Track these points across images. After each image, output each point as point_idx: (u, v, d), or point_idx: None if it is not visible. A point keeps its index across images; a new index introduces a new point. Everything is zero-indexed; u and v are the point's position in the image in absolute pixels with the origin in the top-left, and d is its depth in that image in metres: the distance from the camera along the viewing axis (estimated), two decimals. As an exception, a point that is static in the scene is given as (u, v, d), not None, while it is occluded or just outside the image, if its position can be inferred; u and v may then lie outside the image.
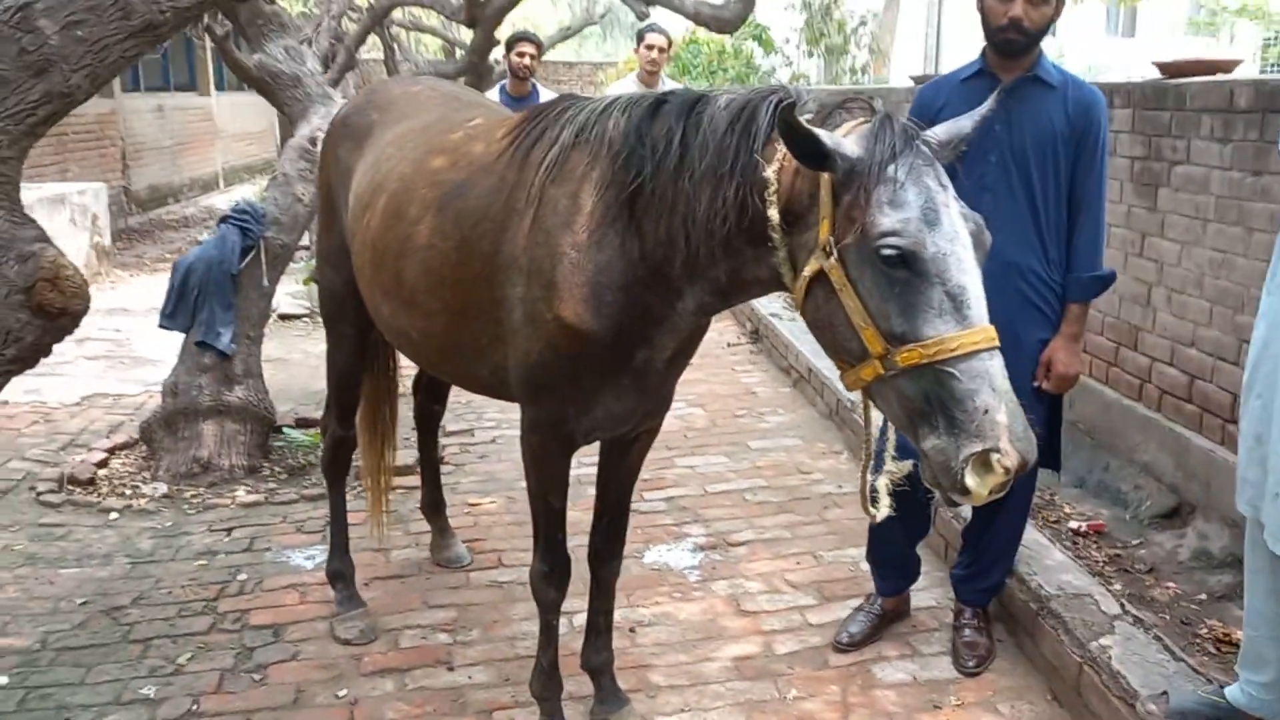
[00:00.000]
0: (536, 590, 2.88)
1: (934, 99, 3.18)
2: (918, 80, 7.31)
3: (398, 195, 2.89)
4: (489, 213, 2.61)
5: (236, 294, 5.22)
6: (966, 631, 3.39)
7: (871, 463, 2.60)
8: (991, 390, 1.90)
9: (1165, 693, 2.65)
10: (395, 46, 11.73)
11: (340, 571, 3.66)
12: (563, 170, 2.49)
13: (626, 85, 6.87)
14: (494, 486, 4.92)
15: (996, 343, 1.94)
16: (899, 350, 1.95)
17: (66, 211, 9.44)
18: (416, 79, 3.76)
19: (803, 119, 2.03)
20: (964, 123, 2.18)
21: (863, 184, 1.95)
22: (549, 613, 2.91)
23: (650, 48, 6.70)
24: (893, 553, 3.48)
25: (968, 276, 1.94)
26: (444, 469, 5.06)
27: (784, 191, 2.10)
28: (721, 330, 7.87)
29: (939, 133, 2.15)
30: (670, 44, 6.90)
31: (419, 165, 2.88)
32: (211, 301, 5.19)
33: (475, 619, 3.71)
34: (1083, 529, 4.18)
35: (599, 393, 2.56)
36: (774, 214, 2.11)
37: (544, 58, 7.72)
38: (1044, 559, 3.47)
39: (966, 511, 3.58)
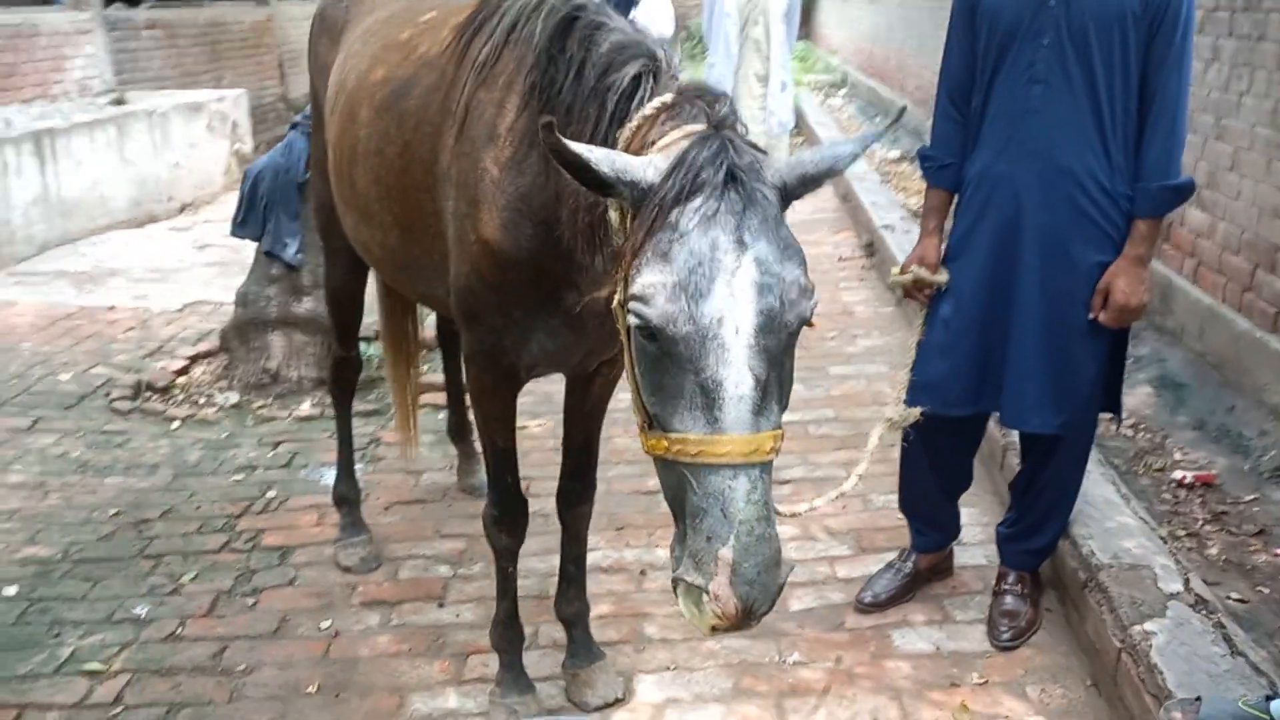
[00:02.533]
0: (489, 535, 2.65)
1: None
2: None
3: (353, 96, 2.63)
4: (427, 114, 2.33)
5: (303, 204, 5.12)
6: (1007, 599, 2.95)
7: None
8: (722, 516, 1.54)
9: (1199, 698, 2.19)
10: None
11: (345, 495, 3.53)
12: (492, 72, 2.17)
13: None
14: (546, 409, 4.69)
15: (753, 457, 1.56)
16: (650, 434, 1.64)
17: (204, 119, 9.65)
18: None
19: (646, 107, 1.75)
20: (841, 150, 1.73)
21: (643, 222, 1.58)
22: (504, 560, 2.67)
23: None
24: (926, 505, 3.06)
25: (729, 370, 1.54)
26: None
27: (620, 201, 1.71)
28: (837, 243, 7.35)
29: (802, 161, 1.70)
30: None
31: (372, 63, 2.61)
32: (278, 210, 5.11)
33: (482, 552, 3.48)
34: (1188, 480, 3.61)
35: (530, 328, 2.27)
36: (613, 216, 1.75)
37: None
38: (1106, 520, 2.98)
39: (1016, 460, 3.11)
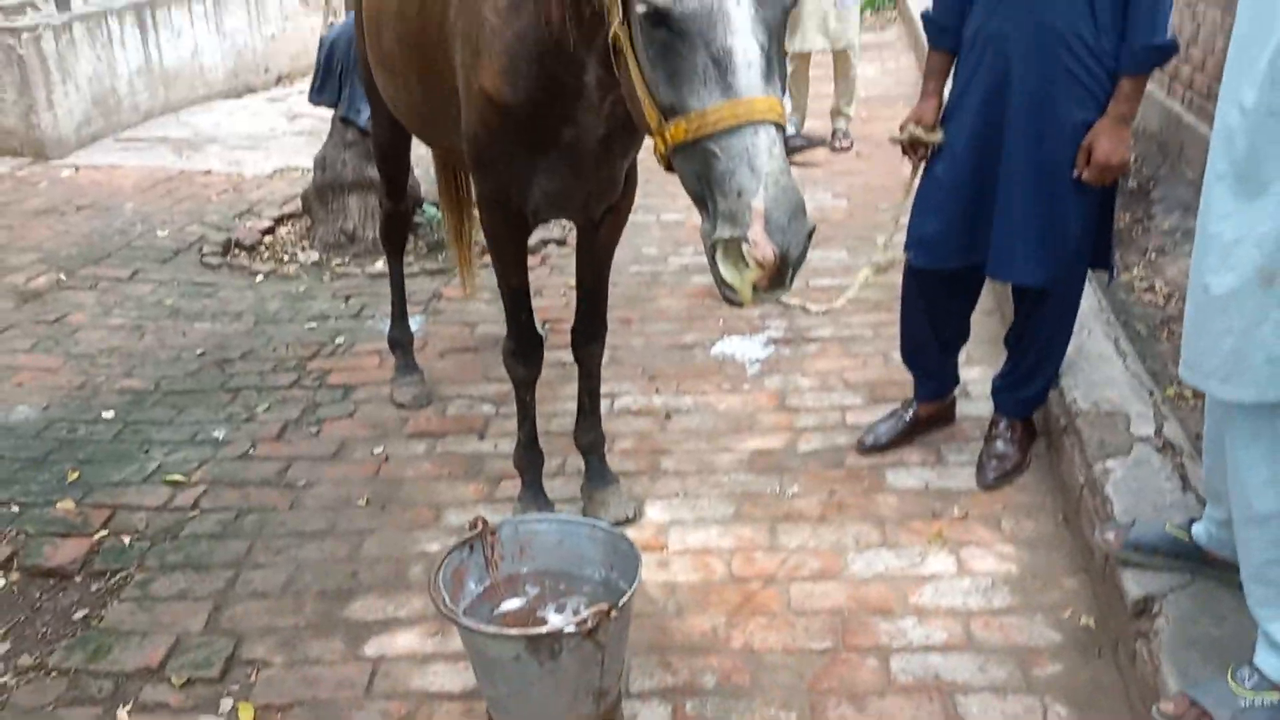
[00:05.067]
0: (507, 366, 2.93)
1: None
2: None
3: None
4: None
5: (375, 70, 5.36)
6: (998, 444, 3.14)
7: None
8: (749, 170, 1.69)
9: (1134, 522, 2.37)
10: None
11: (398, 339, 3.86)
12: None
13: None
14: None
15: (769, 115, 1.70)
16: (669, 124, 1.77)
17: (298, -11, 9.91)
18: None
19: None
20: None
21: None
22: (521, 389, 2.96)
23: None
24: (924, 356, 3.23)
25: (737, 38, 1.70)
26: (558, 249, 5.16)
27: None
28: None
29: None
30: None
31: (401, -71, 2.80)
32: (353, 77, 5.35)
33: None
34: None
35: (533, 170, 2.49)
36: None
37: None
38: (1095, 371, 3.12)
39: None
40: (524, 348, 2.87)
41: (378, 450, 3.51)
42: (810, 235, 1.78)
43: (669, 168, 1.91)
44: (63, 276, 5.00)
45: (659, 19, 1.74)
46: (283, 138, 7.58)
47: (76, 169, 6.69)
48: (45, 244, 5.39)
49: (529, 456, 3.02)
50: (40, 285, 4.90)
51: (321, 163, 5.43)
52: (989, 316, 4.01)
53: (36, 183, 6.41)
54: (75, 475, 3.37)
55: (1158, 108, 5.51)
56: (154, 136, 7.41)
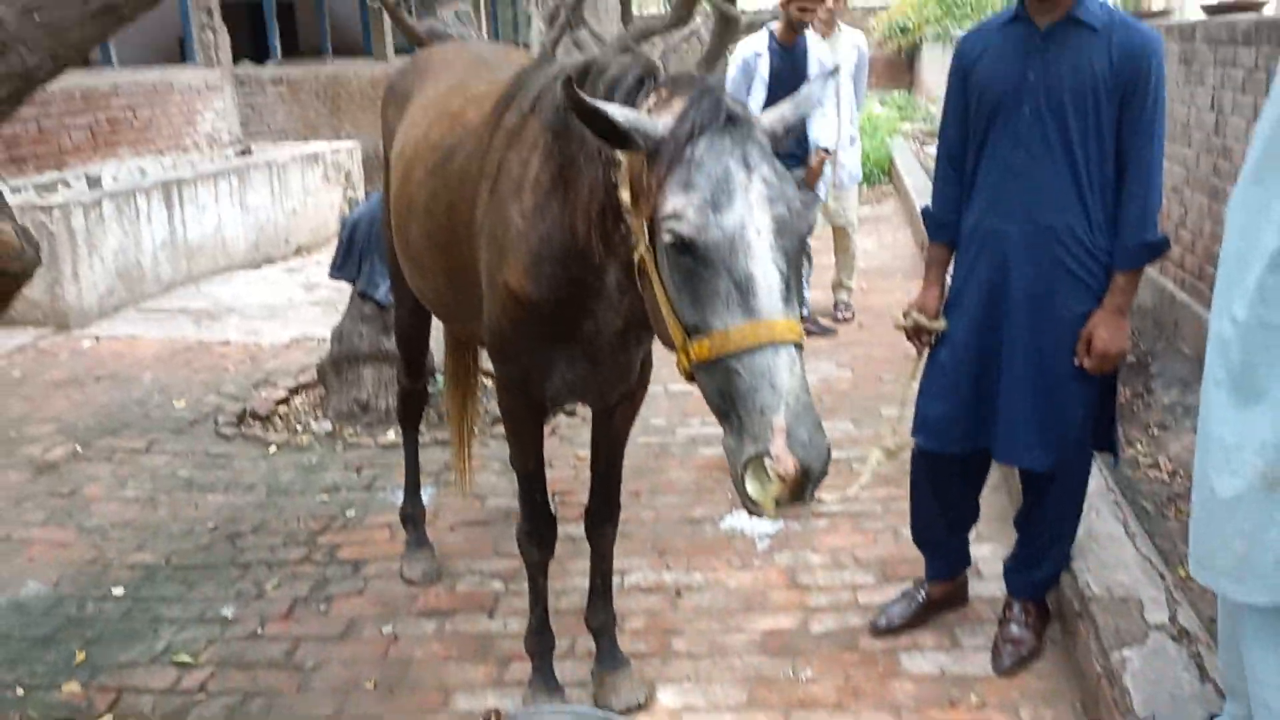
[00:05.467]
0: (521, 549, 2.96)
1: (971, 48, 2.90)
2: (1209, 10, 6.44)
3: (410, 159, 3.01)
4: (468, 176, 2.67)
5: (394, 249, 5.57)
6: (1012, 627, 3.13)
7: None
8: (771, 388, 1.78)
9: (1153, 717, 2.35)
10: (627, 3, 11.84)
11: (410, 515, 3.88)
12: (519, 136, 2.50)
13: (757, 41, 6.49)
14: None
15: (789, 337, 1.81)
16: (693, 343, 1.87)
17: (320, 168, 10.34)
18: (464, 43, 3.85)
19: (648, 99, 1.97)
20: (806, 104, 2.04)
21: (661, 164, 1.86)
22: (535, 571, 2.97)
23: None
24: (934, 537, 3.26)
25: (757, 264, 1.82)
26: (567, 420, 5.23)
27: (631, 172, 2.02)
28: (910, 290, 7.50)
29: (782, 112, 2.00)
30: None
31: (427, 130, 2.98)
32: (372, 255, 5.56)
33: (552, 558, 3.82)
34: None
35: (553, 360, 2.58)
36: (625, 195, 2.05)
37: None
38: (1106, 553, 3.13)
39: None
40: (539, 530, 2.90)
41: (387, 629, 3.49)
42: (829, 451, 1.86)
43: (690, 379, 2.01)
44: (79, 448, 5.06)
45: (684, 247, 1.86)
46: (300, 307, 7.78)
47: (98, 339, 6.85)
48: (64, 415, 5.48)
49: (540, 640, 3.01)
50: (57, 456, 4.96)
51: (338, 335, 5.57)
52: (996, 492, 4.04)
53: (58, 353, 6.55)
54: (82, 656, 3.35)
55: (1152, 285, 5.67)
56: (175, 307, 7.62)
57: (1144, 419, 4.76)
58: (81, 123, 8.80)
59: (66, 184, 8.33)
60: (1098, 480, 3.53)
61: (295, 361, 6.43)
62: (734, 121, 1.91)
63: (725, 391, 1.86)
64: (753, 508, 1.87)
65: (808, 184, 5.90)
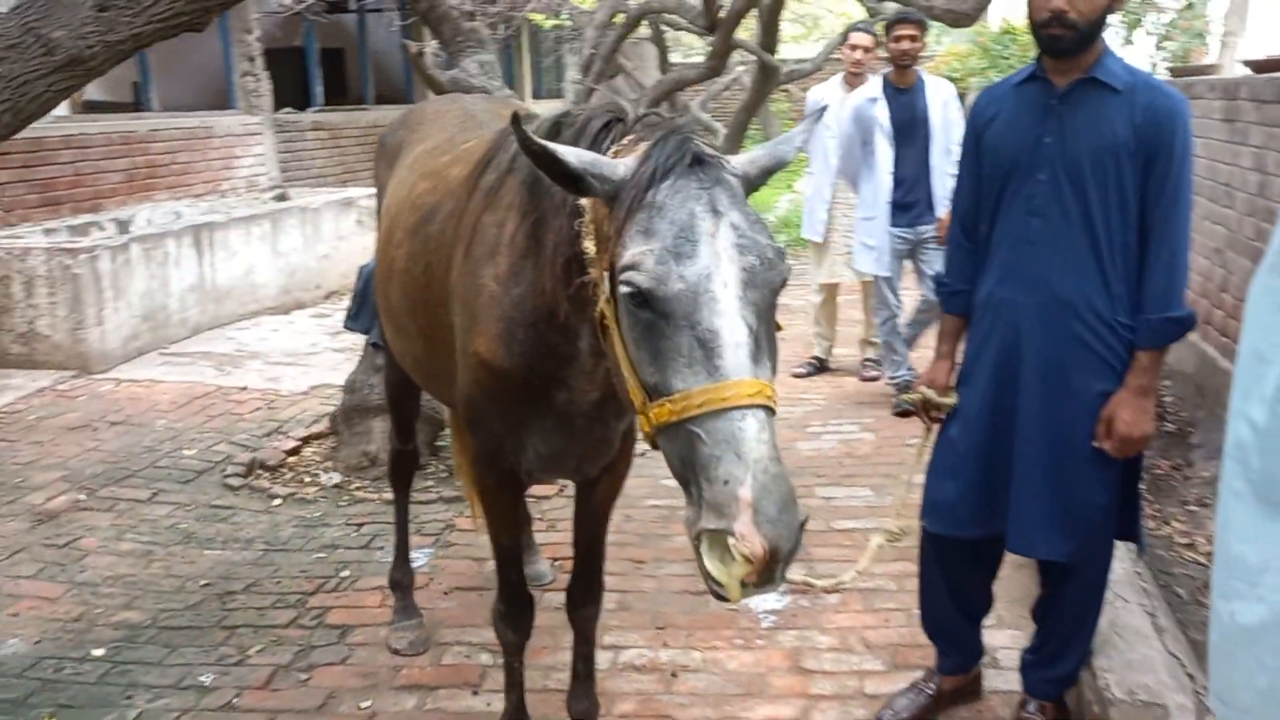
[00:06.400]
0: (496, 630, 2.80)
1: (986, 108, 2.73)
2: (1254, 66, 6.17)
3: (392, 219, 2.90)
4: (444, 238, 2.56)
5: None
6: (1027, 727, 2.89)
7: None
8: (736, 457, 1.60)
9: None
10: (665, 51, 11.87)
11: (399, 581, 3.74)
12: (497, 196, 2.38)
13: (830, 90, 6.49)
14: (618, 501, 4.82)
15: (757, 399, 1.63)
16: (653, 404, 1.70)
17: (354, 214, 10.35)
18: (455, 97, 3.76)
19: (624, 138, 1.83)
20: (784, 148, 1.85)
21: (621, 209, 1.72)
22: (510, 654, 2.81)
23: (854, 48, 6.29)
24: (945, 627, 3.04)
25: (723, 320, 1.65)
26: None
27: (595, 220, 1.88)
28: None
29: (755, 155, 1.84)
30: (876, 43, 6.42)
31: (411, 189, 2.87)
32: (386, 306, 5.48)
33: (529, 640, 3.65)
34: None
35: (526, 431, 2.44)
36: (588, 245, 1.90)
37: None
38: (1131, 651, 2.89)
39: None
40: (514, 610, 2.74)
41: (365, 704, 3.32)
42: (802, 526, 1.67)
43: (655, 446, 1.83)
44: (82, 497, 4.98)
45: (643, 300, 1.70)
46: (323, 354, 7.72)
47: (118, 383, 6.81)
48: (71, 461, 5.41)
49: (516, 727, 2.84)
50: (58, 505, 4.88)
51: (350, 386, 5.48)
52: (1019, 571, 3.80)
53: (76, 396, 6.52)
54: (50, 722, 3.23)
55: (1193, 350, 5.42)
56: (198, 351, 7.59)
57: (1181, 494, 4.50)
58: (119, 166, 8.87)
59: (100, 226, 8.38)
60: (1125, 564, 3.30)
61: (312, 410, 6.34)
62: (701, 164, 1.76)
63: (686, 459, 1.69)
64: (716, 589, 1.69)
65: (940, 239, 5.61)
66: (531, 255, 2.22)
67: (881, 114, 5.76)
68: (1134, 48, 15.29)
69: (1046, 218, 2.57)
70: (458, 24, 6.07)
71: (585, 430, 2.43)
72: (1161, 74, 12.56)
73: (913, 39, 5.62)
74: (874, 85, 5.89)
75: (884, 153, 5.78)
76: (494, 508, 2.63)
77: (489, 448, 2.51)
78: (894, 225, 5.79)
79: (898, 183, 5.76)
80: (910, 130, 5.71)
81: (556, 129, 2.14)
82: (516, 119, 1.74)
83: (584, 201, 1.92)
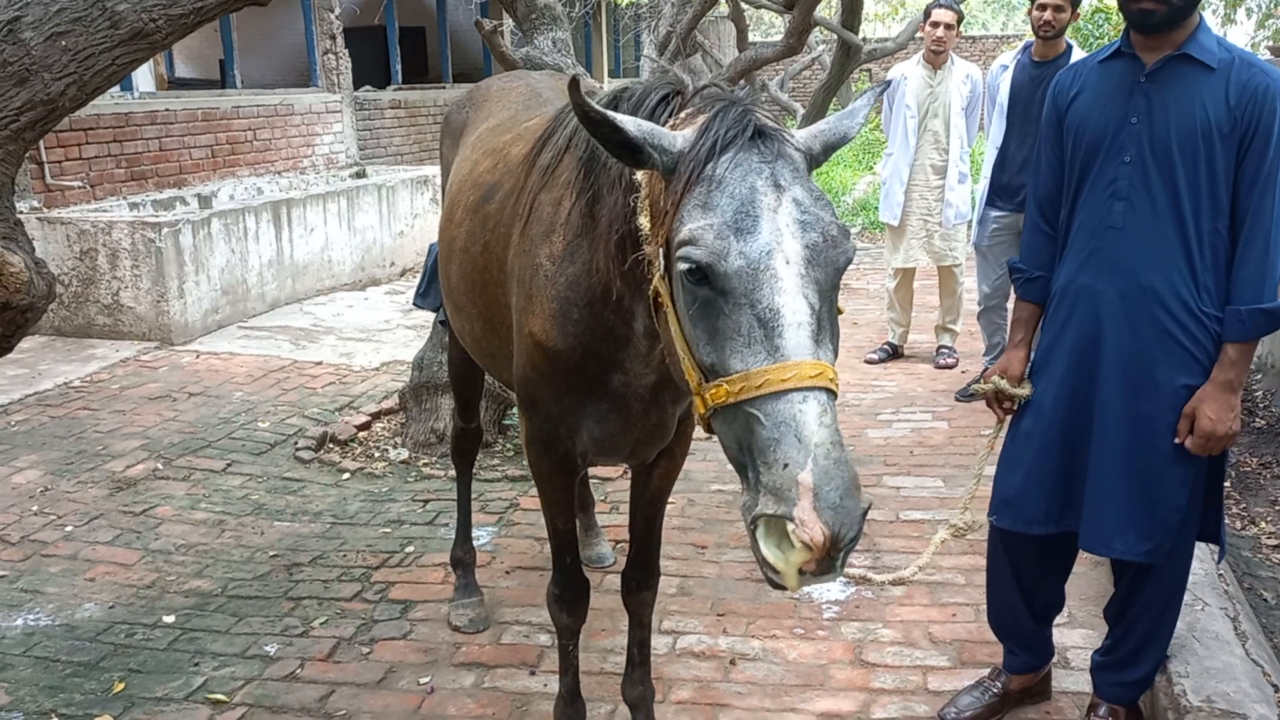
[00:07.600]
0: (551, 613, 2.78)
1: (1067, 87, 2.61)
2: None
3: (454, 197, 2.88)
4: (502, 217, 2.53)
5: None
6: (1097, 733, 2.79)
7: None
8: (796, 441, 1.53)
9: None
10: (743, 29, 11.70)
11: (460, 558, 3.74)
12: (554, 174, 2.34)
13: (910, 67, 6.34)
14: (681, 486, 4.79)
15: (819, 381, 1.55)
16: (709, 385, 1.63)
17: (429, 191, 10.43)
18: (521, 74, 3.71)
19: (682, 111, 1.77)
20: (848, 122, 1.76)
21: (679, 182, 1.65)
22: (564, 637, 2.79)
23: (936, 24, 6.12)
24: (1012, 625, 2.94)
25: (784, 298, 1.58)
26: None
27: (650, 194, 1.82)
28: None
29: (820, 128, 1.76)
30: (960, 19, 6.24)
31: (473, 167, 2.85)
32: (456, 284, 5.50)
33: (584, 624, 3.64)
34: (1348, 622, 3.29)
35: (581, 415, 2.40)
36: (643, 221, 1.84)
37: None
38: (1210, 657, 2.77)
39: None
40: (570, 593, 2.72)
41: (424, 680, 3.34)
42: (864, 515, 1.60)
43: (709, 430, 1.78)
44: (159, 466, 5.10)
45: (701, 276, 1.64)
46: (396, 330, 7.80)
47: (197, 355, 6.97)
48: (151, 430, 5.54)
49: (569, 712, 2.83)
50: (136, 473, 5.00)
51: (420, 363, 5.51)
52: (1094, 568, 3.68)
53: (158, 367, 6.68)
54: (121, 686, 3.30)
55: (1288, 343, 5.18)
56: (275, 325, 7.72)
57: (1270, 492, 4.31)
58: (202, 142, 9.05)
59: (184, 201, 8.57)
60: (1206, 564, 3.16)
61: (383, 386, 6.41)
62: (763, 136, 1.69)
63: (744, 442, 1.62)
64: (772, 577, 1.63)
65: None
66: (587, 233, 2.18)
67: (1004, 86, 5.46)
68: (1235, 27, 14.71)
69: (1131, 202, 2.44)
70: (532, 1, 6.04)
71: (641, 414, 2.39)
72: (1263, 54, 12.05)
73: (1058, 8, 5.06)
74: (1009, 55, 5.61)
75: (995, 127, 5.52)
76: (549, 491, 2.60)
77: (544, 430, 2.48)
78: (995, 207, 5.54)
79: (1004, 161, 5.48)
80: (1031, 108, 5.15)
81: (614, 102, 2.08)
82: (575, 84, 1.68)
83: (639, 176, 1.87)
